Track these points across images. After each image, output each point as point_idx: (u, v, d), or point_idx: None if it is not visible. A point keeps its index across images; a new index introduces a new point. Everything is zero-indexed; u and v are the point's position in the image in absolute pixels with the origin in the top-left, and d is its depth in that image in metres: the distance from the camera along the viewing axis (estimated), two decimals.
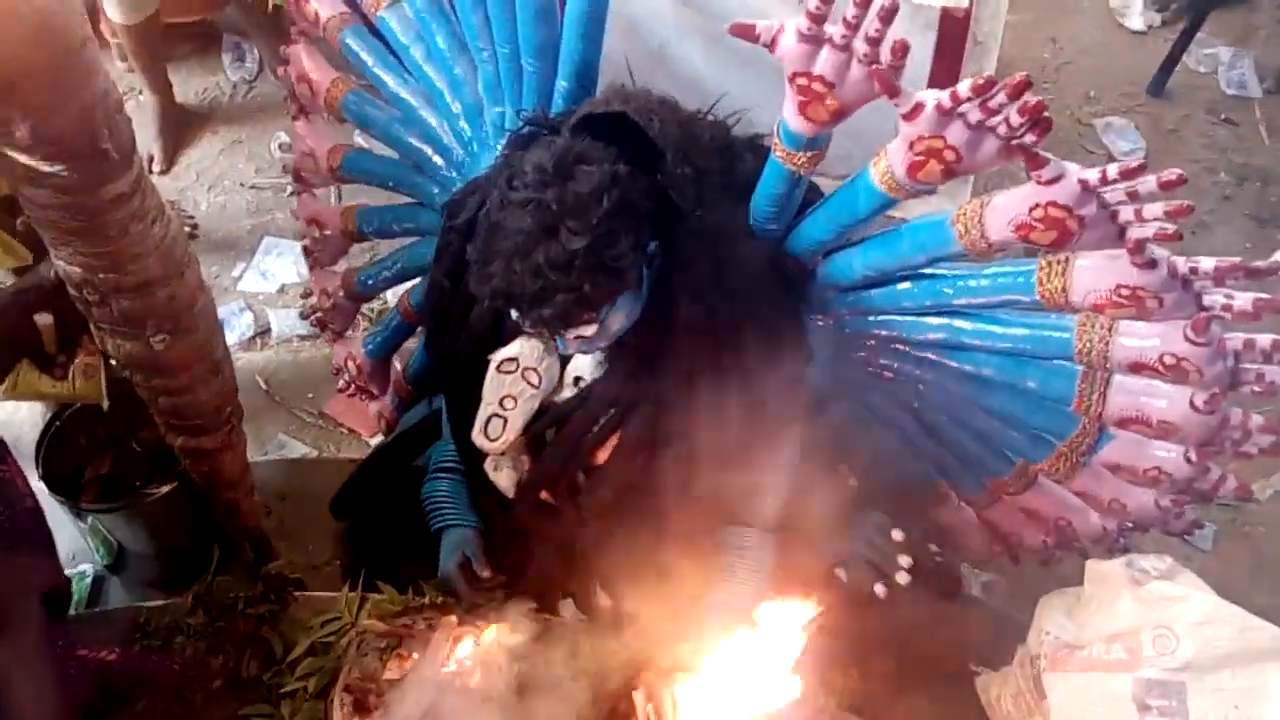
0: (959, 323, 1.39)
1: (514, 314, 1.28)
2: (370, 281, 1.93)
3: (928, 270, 1.37)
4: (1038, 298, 1.26)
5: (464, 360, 1.45)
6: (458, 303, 1.45)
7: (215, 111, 2.96)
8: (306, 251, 2.05)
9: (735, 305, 1.34)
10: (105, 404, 1.60)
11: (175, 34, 2.86)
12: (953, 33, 1.80)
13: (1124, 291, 1.18)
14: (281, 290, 2.57)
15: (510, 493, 1.48)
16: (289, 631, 1.54)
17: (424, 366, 1.92)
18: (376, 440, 2.18)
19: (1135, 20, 3.11)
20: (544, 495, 1.48)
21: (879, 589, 1.40)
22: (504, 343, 1.41)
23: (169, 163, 2.82)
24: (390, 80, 1.73)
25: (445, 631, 1.42)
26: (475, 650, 1.40)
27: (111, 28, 2.64)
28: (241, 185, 2.79)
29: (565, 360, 1.42)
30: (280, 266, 2.61)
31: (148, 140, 2.75)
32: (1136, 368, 1.26)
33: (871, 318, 1.45)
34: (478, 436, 1.42)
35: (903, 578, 1.39)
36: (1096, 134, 2.87)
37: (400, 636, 1.44)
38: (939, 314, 1.40)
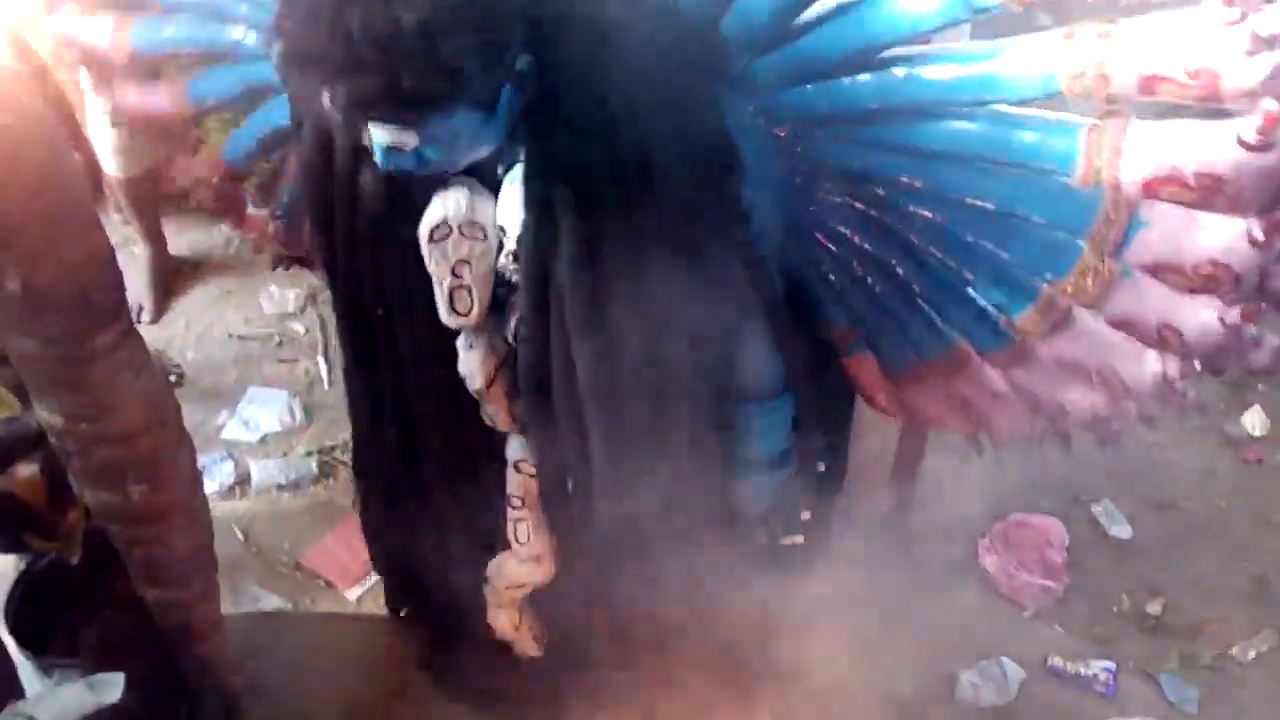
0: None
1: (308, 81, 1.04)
2: (238, 155, 1.66)
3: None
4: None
5: (370, 248, 1.29)
6: (337, 180, 1.26)
7: (207, 262, 3.01)
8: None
9: (640, 149, 1.10)
10: (75, 557, 1.58)
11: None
12: None
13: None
14: (263, 440, 2.57)
15: (479, 377, 1.33)
16: None
17: None
18: (355, 594, 2.15)
19: None
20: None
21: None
22: (414, 212, 1.23)
23: (159, 313, 2.85)
24: None
25: None
26: None
27: (108, 180, 2.69)
28: (229, 335, 2.82)
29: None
30: (264, 416, 2.61)
31: (139, 290, 2.78)
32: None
33: (830, 125, 1.17)
34: (448, 317, 1.28)
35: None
36: None
37: None
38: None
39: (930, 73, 1.10)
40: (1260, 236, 0.94)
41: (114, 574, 1.61)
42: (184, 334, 2.83)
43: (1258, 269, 0.99)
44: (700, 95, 1.13)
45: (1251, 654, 2.12)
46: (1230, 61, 0.88)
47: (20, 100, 1.14)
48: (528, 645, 1.63)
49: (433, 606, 1.72)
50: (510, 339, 1.31)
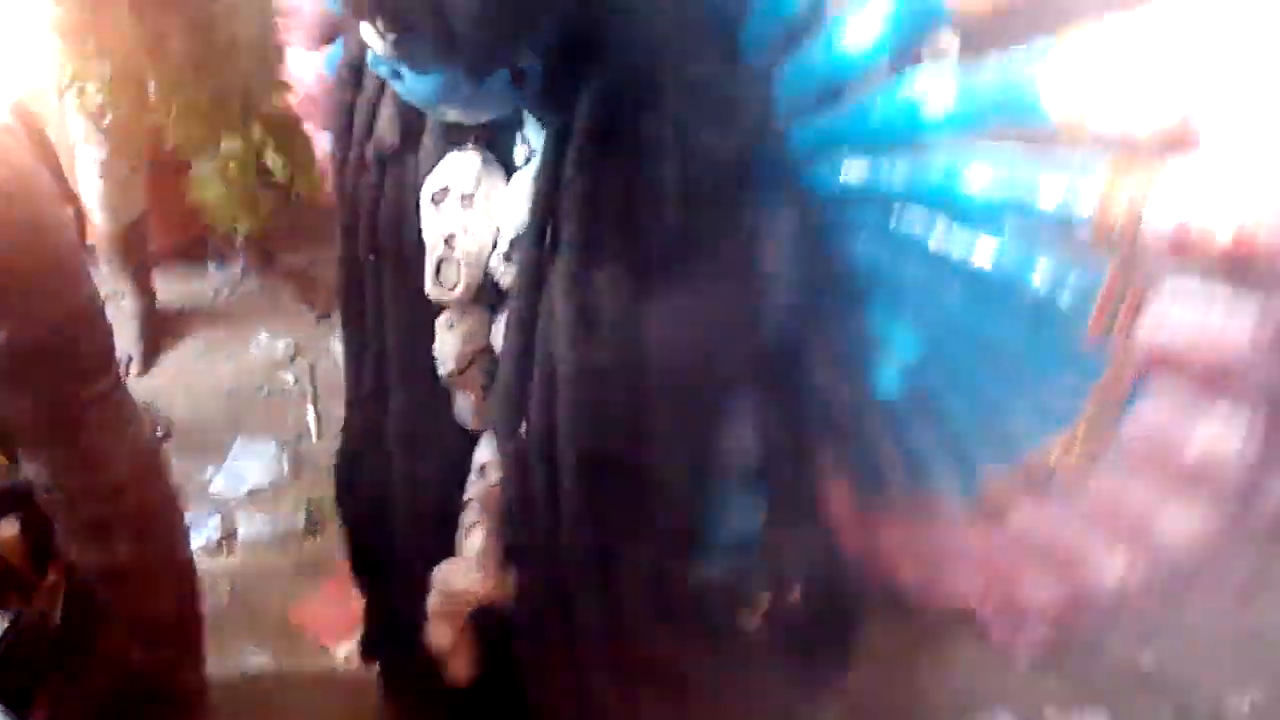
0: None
1: None
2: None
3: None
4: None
5: (374, 182, 1.24)
6: (360, 100, 1.22)
7: (197, 313, 2.99)
8: None
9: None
10: (57, 618, 1.55)
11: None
12: None
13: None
14: (251, 493, 2.54)
15: (451, 361, 1.26)
16: None
17: None
18: (344, 651, 2.11)
19: None
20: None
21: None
22: (424, 162, 1.19)
23: (147, 365, 2.83)
24: None
25: None
26: None
27: (97, 232, 2.69)
28: (218, 387, 2.80)
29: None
30: (252, 469, 2.59)
31: (127, 342, 2.76)
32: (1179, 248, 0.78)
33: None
34: (431, 287, 1.22)
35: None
36: None
37: None
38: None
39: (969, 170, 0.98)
40: (1263, 432, 0.78)
41: (98, 635, 1.57)
42: (172, 386, 2.80)
43: (1251, 474, 0.82)
44: (740, 142, 1.09)
45: (1246, 706, 2.10)
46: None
47: (10, 154, 1.13)
48: (461, 666, 1.55)
49: (402, 648, 1.64)
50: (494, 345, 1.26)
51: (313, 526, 2.44)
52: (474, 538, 1.38)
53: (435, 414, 1.34)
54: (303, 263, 3.00)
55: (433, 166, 1.20)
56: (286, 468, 2.57)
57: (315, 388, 2.75)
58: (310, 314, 2.92)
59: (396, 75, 1.07)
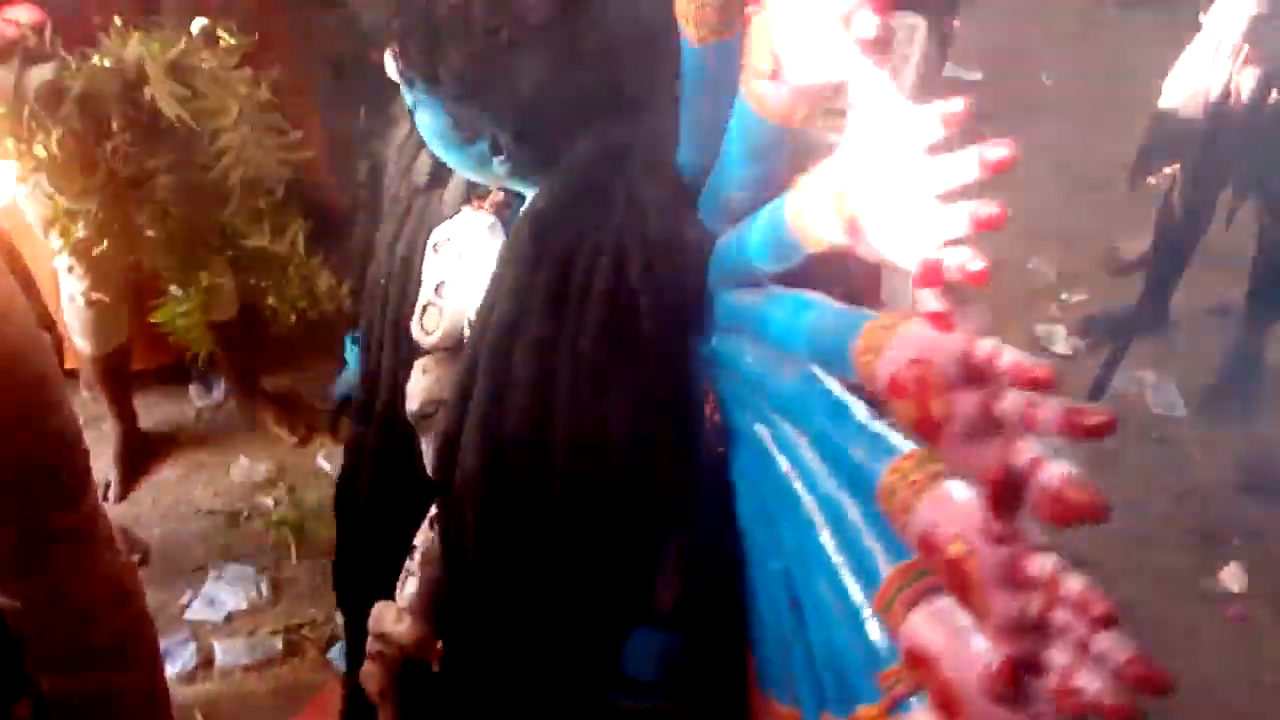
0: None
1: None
2: None
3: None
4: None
5: (401, 213, 1.28)
6: (409, 141, 1.28)
7: (178, 436, 2.99)
8: None
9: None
10: None
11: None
12: None
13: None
14: (229, 618, 2.50)
15: (415, 402, 1.25)
16: None
17: None
18: None
19: (1060, 345, 3.31)
20: None
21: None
22: (442, 212, 1.24)
23: (125, 490, 2.81)
24: None
25: None
26: None
27: (78, 357, 2.70)
28: (198, 511, 2.78)
29: None
30: (230, 593, 2.56)
31: (106, 467, 2.75)
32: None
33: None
34: (415, 328, 1.24)
35: None
36: None
37: None
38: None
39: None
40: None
41: None
42: (150, 510, 2.78)
43: None
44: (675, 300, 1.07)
45: None
46: None
47: None
48: (387, 718, 1.50)
49: None
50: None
51: (292, 651, 2.40)
52: (409, 586, 1.37)
53: (405, 455, 1.33)
54: (284, 386, 3.01)
55: (449, 216, 1.25)
56: (266, 592, 2.54)
57: (295, 512, 2.74)
58: (291, 438, 2.92)
59: (413, 107, 1.14)
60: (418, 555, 1.37)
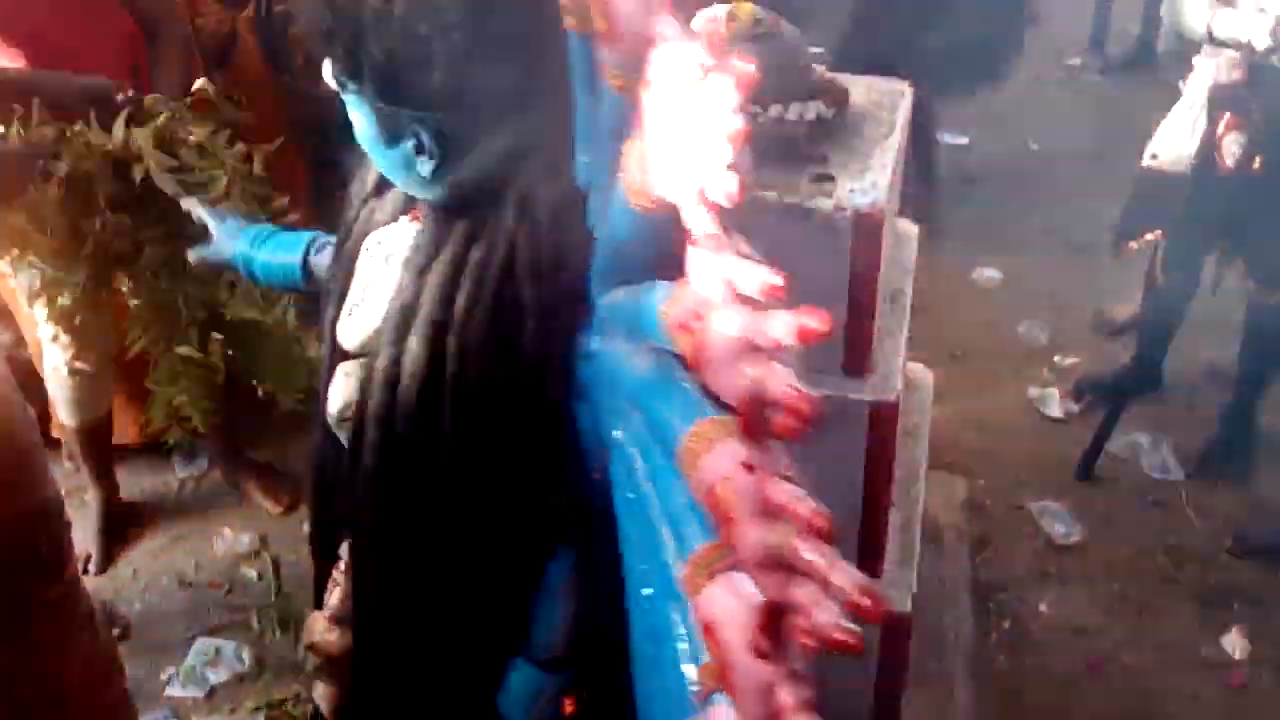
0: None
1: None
2: None
3: None
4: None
5: (359, 206, 1.29)
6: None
7: (160, 507, 2.95)
8: None
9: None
10: None
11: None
12: (883, 428, 1.89)
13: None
14: (210, 695, 2.45)
15: (334, 406, 1.23)
16: None
17: None
18: None
19: (1054, 409, 3.30)
20: None
21: None
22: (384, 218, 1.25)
23: (106, 562, 2.77)
24: None
25: None
26: None
27: (61, 428, 2.68)
28: (180, 583, 2.73)
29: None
30: (212, 669, 2.51)
31: (87, 539, 2.70)
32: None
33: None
34: (342, 326, 1.23)
35: None
36: (1033, 517, 2.94)
37: None
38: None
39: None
40: None
41: None
42: (132, 583, 2.74)
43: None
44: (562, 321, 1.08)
45: None
46: None
47: None
48: None
49: None
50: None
51: None
52: (334, 596, 1.35)
53: (340, 457, 1.29)
54: (267, 457, 2.99)
55: (386, 222, 1.25)
56: (248, 666, 2.49)
57: (279, 581, 2.69)
58: (276, 507, 2.89)
59: (344, 104, 1.14)
60: (343, 564, 1.35)
